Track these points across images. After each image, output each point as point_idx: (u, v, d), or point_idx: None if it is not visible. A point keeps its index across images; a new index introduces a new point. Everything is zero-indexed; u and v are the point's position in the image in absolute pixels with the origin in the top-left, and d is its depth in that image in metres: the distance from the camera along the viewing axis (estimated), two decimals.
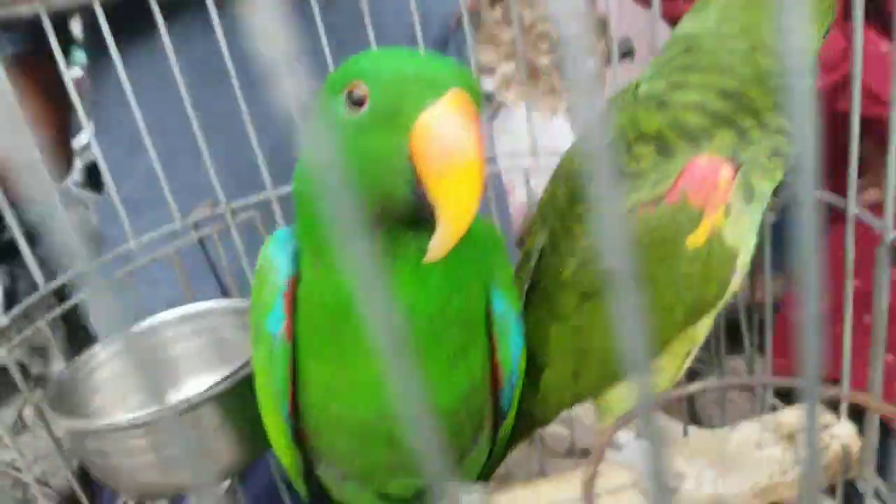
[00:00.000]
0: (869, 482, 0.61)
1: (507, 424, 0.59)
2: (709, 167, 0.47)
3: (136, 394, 0.68)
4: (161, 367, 0.71)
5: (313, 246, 0.47)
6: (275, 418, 0.52)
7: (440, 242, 0.40)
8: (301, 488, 0.60)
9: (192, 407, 0.59)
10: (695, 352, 0.57)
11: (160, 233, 0.77)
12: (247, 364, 0.61)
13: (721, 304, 0.52)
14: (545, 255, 0.56)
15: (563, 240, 0.54)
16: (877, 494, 0.62)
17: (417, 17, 0.78)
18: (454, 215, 0.39)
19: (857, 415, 0.63)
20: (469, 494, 0.58)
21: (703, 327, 0.54)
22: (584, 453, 0.92)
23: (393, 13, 0.88)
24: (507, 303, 0.52)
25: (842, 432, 0.63)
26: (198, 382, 0.68)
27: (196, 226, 0.79)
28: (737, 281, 0.50)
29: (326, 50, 0.76)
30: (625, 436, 0.62)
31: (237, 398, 0.60)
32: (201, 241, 0.80)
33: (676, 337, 0.53)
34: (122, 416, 0.59)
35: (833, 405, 0.65)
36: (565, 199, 0.55)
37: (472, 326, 0.50)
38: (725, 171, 0.47)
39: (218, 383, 0.59)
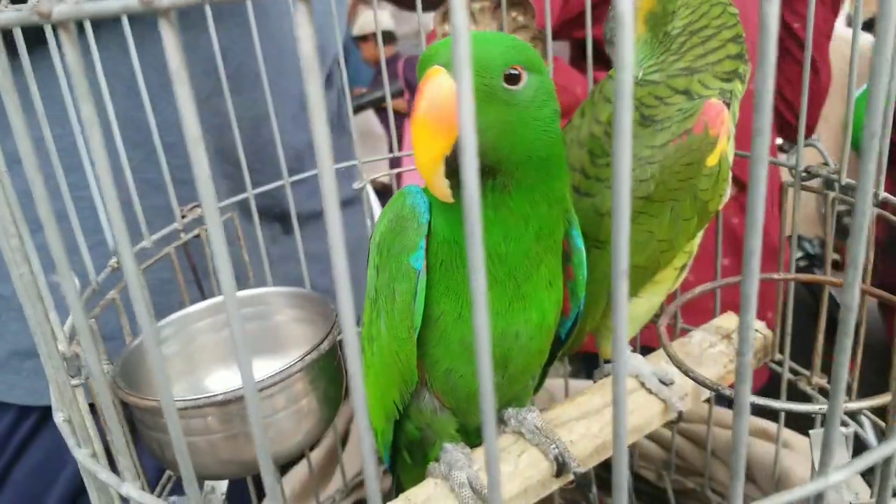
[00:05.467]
0: (785, 366, 0.83)
1: (564, 350, 0.71)
2: (717, 105, 0.65)
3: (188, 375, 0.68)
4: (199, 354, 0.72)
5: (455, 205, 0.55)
6: (407, 349, 0.59)
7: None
8: (388, 436, 0.66)
9: (284, 378, 0.62)
10: (689, 265, 0.74)
11: (160, 234, 0.76)
12: (321, 343, 0.65)
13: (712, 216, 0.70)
14: (577, 197, 0.69)
15: (595, 182, 0.68)
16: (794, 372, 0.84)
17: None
18: (415, 158, 0.49)
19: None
20: (531, 413, 0.70)
21: (696, 242, 0.72)
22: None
23: (284, 37, 0.96)
24: (581, 239, 0.64)
25: (759, 327, 0.85)
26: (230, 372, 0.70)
27: (185, 228, 0.79)
28: (728, 193, 0.69)
29: (223, 73, 0.80)
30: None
31: (315, 375, 0.65)
32: (185, 244, 0.80)
33: (680, 250, 0.70)
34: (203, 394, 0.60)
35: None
36: (590, 149, 0.69)
37: (556, 257, 0.61)
38: (725, 110, 0.65)
39: (303, 356, 0.64)
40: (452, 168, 0.49)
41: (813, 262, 2.60)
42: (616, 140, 0.24)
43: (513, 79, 0.50)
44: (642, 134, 0.66)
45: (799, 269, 2.31)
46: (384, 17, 3.77)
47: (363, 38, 4.06)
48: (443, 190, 0.49)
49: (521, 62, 0.50)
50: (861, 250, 0.28)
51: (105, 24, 0.81)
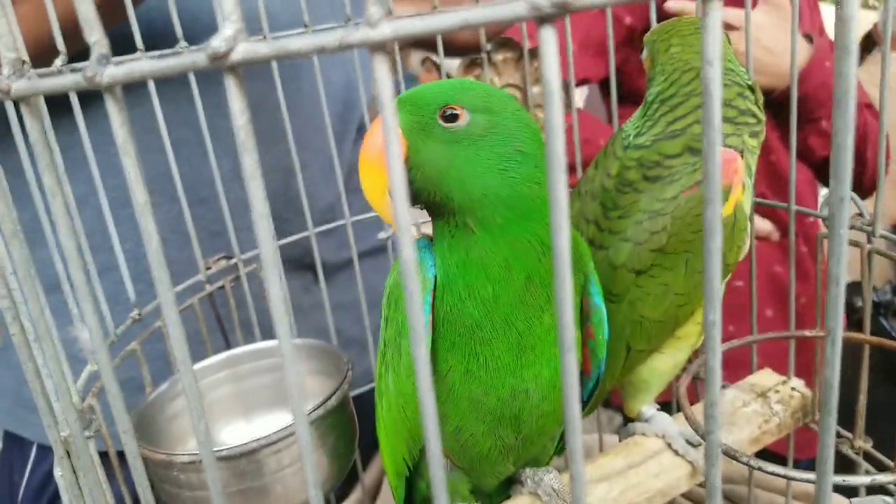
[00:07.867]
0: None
1: (586, 411, 0.69)
2: (729, 156, 0.63)
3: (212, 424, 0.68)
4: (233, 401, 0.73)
5: (442, 250, 0.55)
6: (413, 405, 0.58)
7: None
8: (400, 489, 0.65)
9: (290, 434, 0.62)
10: None
11: (183, 286, 0.78)
12: (335, 392, 0.65)
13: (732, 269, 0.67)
14: (593, 250, 0.68)
15: (609, 235, 0.66)
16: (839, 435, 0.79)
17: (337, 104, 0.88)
18: (364, 192, 0.54)
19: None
20: (549, 474, 0.67)
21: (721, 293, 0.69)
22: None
23: (317, 94, 0.98)
24: (601, 295, 0.62)
25: (797, 385, 0.81)
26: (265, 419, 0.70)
27: (209, 279, 0.81)
28: (747, 245, 0.66)
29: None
30: (650, 410, 0.75)
31: (323, 431, 0.65)
32: (211, 295, 0.82)
33: (700, 304, 0.67)
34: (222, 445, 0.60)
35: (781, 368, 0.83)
36: (602, 202, 0.68)
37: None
38: (739, 158, 0.63)
39: (317, 406, 0.63)
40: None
41: (878, 309, 2.46)
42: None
43: (450, 118, 0.52)
44: (651, 189, 0.65)
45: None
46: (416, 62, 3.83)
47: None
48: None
49: (460, 102, 0.52)
50: (837, 317, 0.26)
51: (138, 84, 0.84)
